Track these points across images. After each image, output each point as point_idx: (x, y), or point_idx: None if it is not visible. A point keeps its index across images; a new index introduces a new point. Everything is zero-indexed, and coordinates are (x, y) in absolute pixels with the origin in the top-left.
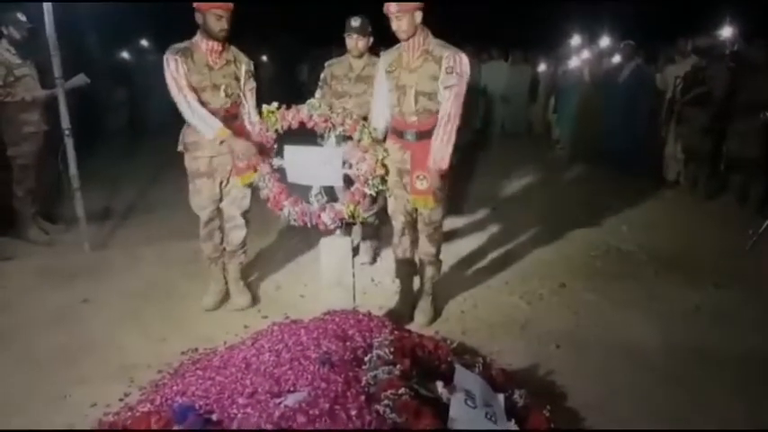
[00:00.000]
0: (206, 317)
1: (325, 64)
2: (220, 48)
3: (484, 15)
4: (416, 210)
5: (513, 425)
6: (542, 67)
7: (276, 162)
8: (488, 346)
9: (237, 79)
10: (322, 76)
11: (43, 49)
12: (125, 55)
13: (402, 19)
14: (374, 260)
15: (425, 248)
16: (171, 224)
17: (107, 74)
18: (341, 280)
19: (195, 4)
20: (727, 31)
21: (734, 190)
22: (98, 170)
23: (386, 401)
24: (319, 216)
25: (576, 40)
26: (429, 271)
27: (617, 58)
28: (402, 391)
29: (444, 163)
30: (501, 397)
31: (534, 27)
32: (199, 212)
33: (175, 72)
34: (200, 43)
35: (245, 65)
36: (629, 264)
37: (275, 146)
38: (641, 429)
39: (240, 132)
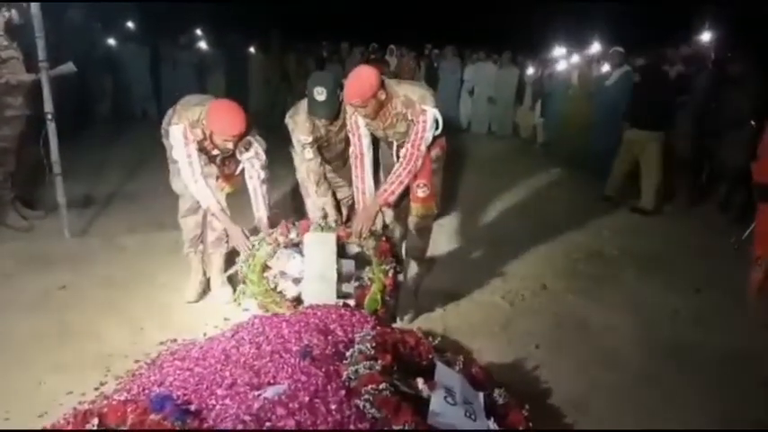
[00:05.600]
0: (185, 308)
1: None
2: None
3: (472, 16)
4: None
5: (492, 423)
6: (530, 70)
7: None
8: (469, 345)
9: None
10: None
11: (30, 33)
12: (111, 41)
13: (368, 106)
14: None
15: (415, 242)
16: (152, 214)
17: (93, 61)
18: (324, 274)
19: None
20: (710, 43)
21: (716, 198)
22: (80, 157)
23: (366, 396)
24: None
25: (563, 44)
26: (415, 268)
27: (606, 66)
28: (383, 386)
29: (392, 198)
30: (481, 395)
31: (523, 29)
32: (182, 193)
33: (189, 142)
34: (205, 134)
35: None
36: (610, 267)
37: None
38: (620, 429)
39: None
